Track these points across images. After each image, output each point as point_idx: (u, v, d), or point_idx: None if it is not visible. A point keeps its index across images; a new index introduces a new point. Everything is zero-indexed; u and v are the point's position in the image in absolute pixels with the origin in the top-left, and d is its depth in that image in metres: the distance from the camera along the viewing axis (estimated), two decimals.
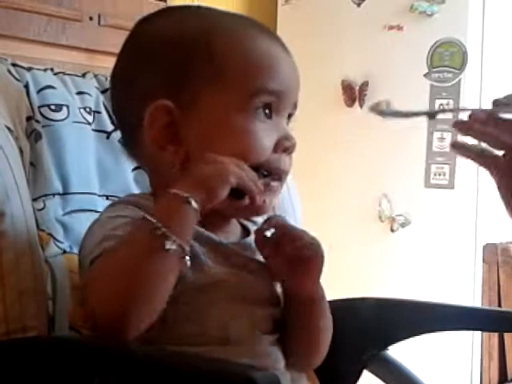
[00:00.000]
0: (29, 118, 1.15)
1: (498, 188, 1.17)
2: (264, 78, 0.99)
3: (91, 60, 2.40)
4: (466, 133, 1.17)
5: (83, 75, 1.28)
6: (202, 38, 0.99)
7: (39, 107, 1.16)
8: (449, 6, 2.86)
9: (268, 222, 1.03)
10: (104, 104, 1.25)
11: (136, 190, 1.23)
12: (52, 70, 1.24)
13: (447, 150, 2.84)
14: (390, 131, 2.83)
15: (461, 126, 1.16)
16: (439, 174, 2.87)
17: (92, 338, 0.95)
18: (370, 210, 2.98)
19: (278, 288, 1.04)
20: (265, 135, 0.98)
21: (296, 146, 1.01)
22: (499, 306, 2.73)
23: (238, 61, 0.99)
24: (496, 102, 1.13)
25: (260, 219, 1.05)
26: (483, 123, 1.13)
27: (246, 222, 1.07)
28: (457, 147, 1.20)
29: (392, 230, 2.95)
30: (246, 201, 0.95)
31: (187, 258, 0.88)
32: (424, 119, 1.22)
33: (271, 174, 1.00)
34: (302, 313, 1.03)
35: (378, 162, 2.96)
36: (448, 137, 2.84)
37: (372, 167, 2.97)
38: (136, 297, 0.85)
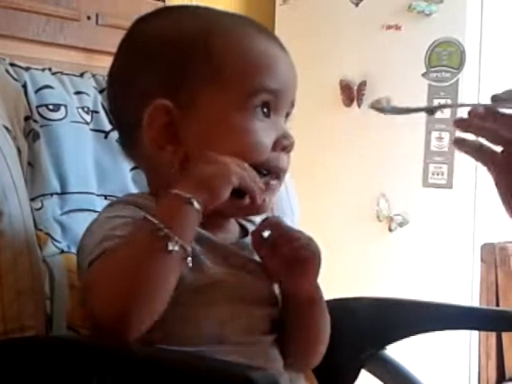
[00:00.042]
0: (27, 118, 1.15)
1: (496, 185, 1.18)
2: (262, 77, 0.99)
3: (89, 60, 2.40)
4: (466, 129, 1.17)
5: (81, 75, 1.28)
6: (200, 38, 0.99)
7: (37, 107, 1.16)
8: (447, 6, 2.86)
9: (265, 223, 1.03)
10: (102, 104, 1.25)
11: (134, 190, 1.23)
12: (50, 69, 1.24)
13: (445, 149, 2.84)
14: (388, 131, 2.83)
15: (460, 123, 1.17)
16: (437, 174, 2.87)
17: (90, 337, 0.96)
18: (367, 209, 2.98)
19: (276, 288, 1.04)
20: (264, 134, 0.99)
21: (294, 144, 1.01)
22: (497, 305, 2.73)
23: (236, 60, 0.99)
24: (495, 98, 1.14)
25: (258, 218, 1.05)
26: (482, 118, 1.14)
27: (244, 222, 1.07)
28: (458, 142, 1.21)
29: (390, 230, 2.95)
30: (247, 200, 0.95)
31: (189, 259, 0.88)
32: (423, 115, 1.23)
33: (270, 172, 1.00)
34: (300, 313, 1.03)
35: (376, 162, 2.96)
36: (446, 136, 2.84)
37: (370, 167, 2.97)
38: (137, 298, 0.85)
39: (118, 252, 0.88)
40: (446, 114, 2.77)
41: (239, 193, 0.93)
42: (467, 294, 2.81)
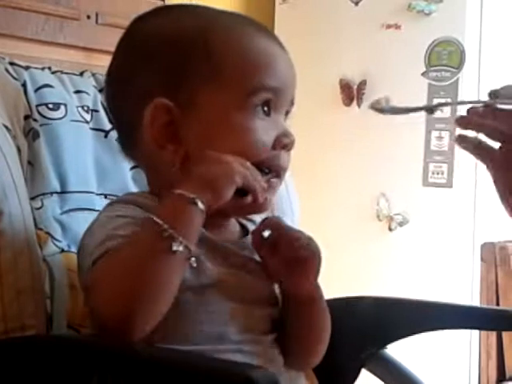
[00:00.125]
0: (26, 117, 1.15)
1: (494, 182, 1.18)
2: (262, 76, 0.99)
3: (89, 59, 2.40)
4: (466, 127, 1.17)
5: (81, 74, 1.28)
6: (200, 37, 0.99)
7: (37, 106, 1.16)
8: (447, 5, 2.86)
9: (265, 223, 1.03)
10: (102, 103, 1.25)
11: (134, 189, 1.22)
12: (50, 68, 1.24)
13: (445, 148, 2.84)
14: (388, 130, 2.83)
15: (460, 121, 1.17)
16: (437, 173, 2.87)
17: (90, 336, 0.95)
18: (367, 208, 2.98)
19: (276, 288, 1.04)
20: (264, 132, 0.98)
21: (295, 142, 1.01)
22: (497, 304, 2.73)
23: (236, 59, 0.99)
24: (495, 93, 1.14)
25: (258, 218, 1.05)
26: (482, 116, 1.14)
27: (244, 222, 1.07)
28: (458, 139, 1.21)
29: (390, 229, 2.95)
30: (249, 199, 0.95)
31: (193, 259, 0.88)
32: (423, 114, 1.23)
33: (271, 171, 1.00)
34: (300, 312, 1.03)
35: (375, 161, 2.96)
36: (446, 136, 2.84)
37: (370, 166, 2.97)
38: (141, 298, 0.85)
39: (121, 252, 0.88)
40: (445, 113, 2.77)
41: (241, 192, 0.93)
42: (467, 293, 2.81)
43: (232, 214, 1.03)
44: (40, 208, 1.13)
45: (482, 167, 1.21)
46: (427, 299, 1.30)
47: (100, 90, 1.26)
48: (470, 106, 1.17)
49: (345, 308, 1.23)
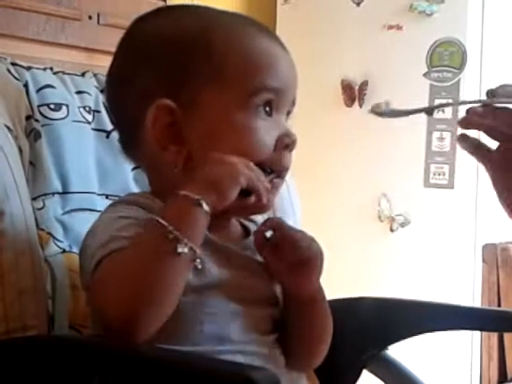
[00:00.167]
0: (28, 117, 1.15)
1: (493, 183, 1.18)
2: (263, 77, 0.99)
3: (90, 59, 2.40)
4: (467, 127, 1.17)
5: (82, 74, 1.28)
6: (202, 37, 0.98)
7: (38, 106, 1.16)
8: (448, 6, 2.86)
9: (267, 223, 1.02)
10: (103, 103, 1.25)
11: (136, 190, 1.22)
12: (51, 69, 1.24)
13: (447, 149, 2.84)
14: (390, 131, 2.83)
15: (461, 122, 1.17)
16: (438, 174, 2.87)
17: (92, 337, 0.95)
18: (369, 209, 2.98)
19: (277, 288, 1.04)
20: (266, 133, 0.98)
21: (296, 142, 1.01)
22: (499, 305, 2.73)
23: (237, 60, 0.99)
24: (493, 93, 1.14)
25: (260, 218, 1.05)
26: (481, 115, 1.14)
27: (246, 222, 1.07)
28: (460, 139, 1.21)
29: (391, 230, 2.95)
30: (252, 199, 0.94)
31: (197, 260, 0.88)
32: (423, 115, 1.23)
33: (273, 171, 1.00)
34: (302, 313, 1.03)
35: (377, 162, 2.96)
36: (447, 136, 2.84)
37: (371, 167, 2.97)
38: (146, 300, 0.85)
39: (126, 253, 0.87)
40: (447, 114, 2.77)
41: (244, 192, 0.93)
42: (469, 294, 2.81)
43: (234, 215, 1.03)
44: (41, 208, 1.13)
45: (483, 168, 1.21)
46: (428, 300, 1.30)
47: (102, 91, 1.25)
48: (469, 106, 1.18)
49: (346, 309, 1.23)
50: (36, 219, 1.10)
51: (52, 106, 1.17)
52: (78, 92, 1.23)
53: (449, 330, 1.33)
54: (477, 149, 1.19)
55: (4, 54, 1.21)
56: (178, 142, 0.98)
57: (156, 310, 0.86)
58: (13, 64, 1.18)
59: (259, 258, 1.02)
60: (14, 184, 1.04)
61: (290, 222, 1.05)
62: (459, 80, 2.83)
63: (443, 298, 2.53)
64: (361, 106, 2.99)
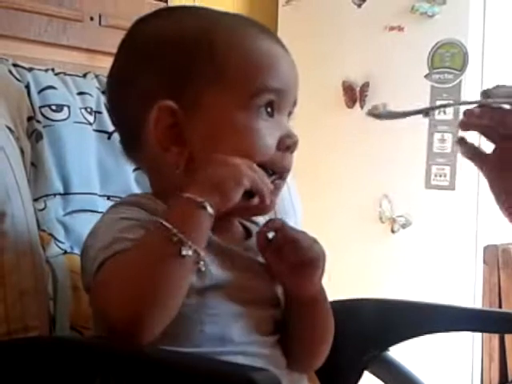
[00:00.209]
0: (30, 119, 1.15)
1: (490, 185, 1.18)
2: (264, 77, 0.99)
3: (92, 60, 2.40)
4: (465, 128, 1.18)
5: (84, 75, 1.28)
6: (204, 38, 0.98)
7: (40, 107, 1.16)
8: (450, 7, 2.86)
9: (269, 225, 1.02)
10: (105, 104, 1.25)
11: (137, 191, 1.22)
12: (53, 70, 1.24)
13: (448, 151, 2.84)
14: (391, 132, 2.83)
15: (460, 124, 1.17)
16: (440, 175, 2.87)
17: (93, 338, 0.95)
18: (370, 210, 2.98)
19: (279, 289, 1.04)
20: (268, 133, 0.98)
21: (298, 143, 1.01)
22: (500, 307, 2.73)
23: (239, 61, 0.99)
24: (487, 93, 1.14)
25: (262, 219, 1.05)
26: (479, 116, 1.14)
27: (247, 224, 1.07)
28: (458, 142, 1.21)
29: (393, 231, 2.95)
30: (255, 201, 0.94)
31: (201, 263, 0.88)
32: (420, 116, 1.23)
33: (275, 172, 1.00)
34: (304, 314, 1.03)
35: (378, 163, 2.96)
36: (448, 138, 2.84)
37: (373, 168, 2.97)
38: (150, 302, 0.85)
39: (130, 255, 0.87)
40: (448, 115, 2.77)
41: (248, 193, 0.93)
42: (470, 295, 2.81)
43: (237, 216, 1.03)
44: (43, 209, 1.13)
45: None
46: (430, 301, 1.30)
47: (103, 92, 1.26)
48: (466, 107, 1.18)
49: (347, 310, 1.23)
50: (37, 220, 1.10)
51: (53, 107, 1.17)
52: (80, 93, 1.23)
53: (450, 331, 1.33)
54: (474, 154, 1.19)
55: (6, 55, 1.21)
56: (179, 144, 0.98)
57: (160, 312, 0.86)
58: (14, 65, 1.18)
59: (261, 259, 1.02)
60: (16, 185, 1.04)
61: (291, 223, 1.05)
62: (460, 81, 2.83)
63: (444, 300, 2.53)
64: (362, 107, 2.98)
